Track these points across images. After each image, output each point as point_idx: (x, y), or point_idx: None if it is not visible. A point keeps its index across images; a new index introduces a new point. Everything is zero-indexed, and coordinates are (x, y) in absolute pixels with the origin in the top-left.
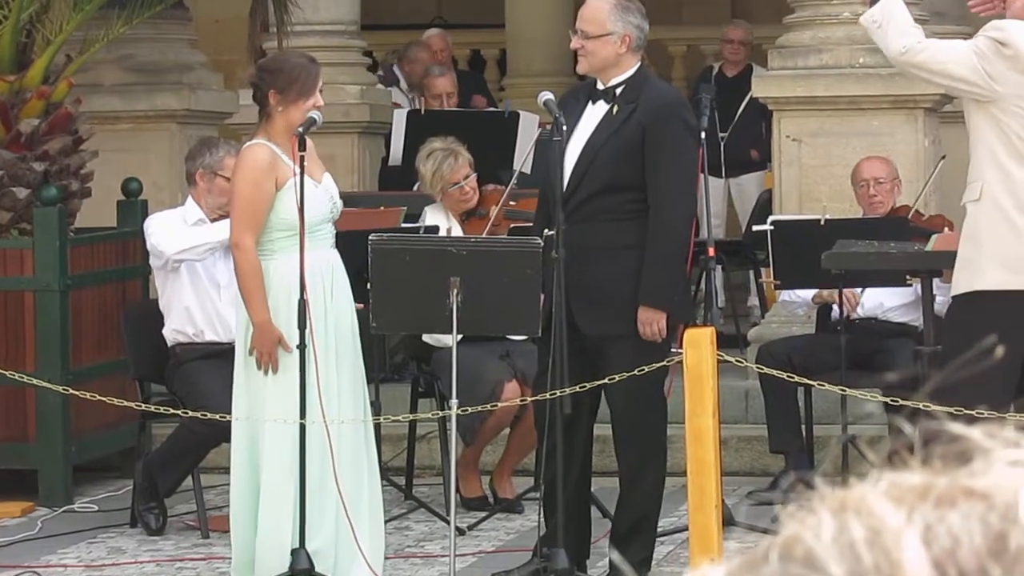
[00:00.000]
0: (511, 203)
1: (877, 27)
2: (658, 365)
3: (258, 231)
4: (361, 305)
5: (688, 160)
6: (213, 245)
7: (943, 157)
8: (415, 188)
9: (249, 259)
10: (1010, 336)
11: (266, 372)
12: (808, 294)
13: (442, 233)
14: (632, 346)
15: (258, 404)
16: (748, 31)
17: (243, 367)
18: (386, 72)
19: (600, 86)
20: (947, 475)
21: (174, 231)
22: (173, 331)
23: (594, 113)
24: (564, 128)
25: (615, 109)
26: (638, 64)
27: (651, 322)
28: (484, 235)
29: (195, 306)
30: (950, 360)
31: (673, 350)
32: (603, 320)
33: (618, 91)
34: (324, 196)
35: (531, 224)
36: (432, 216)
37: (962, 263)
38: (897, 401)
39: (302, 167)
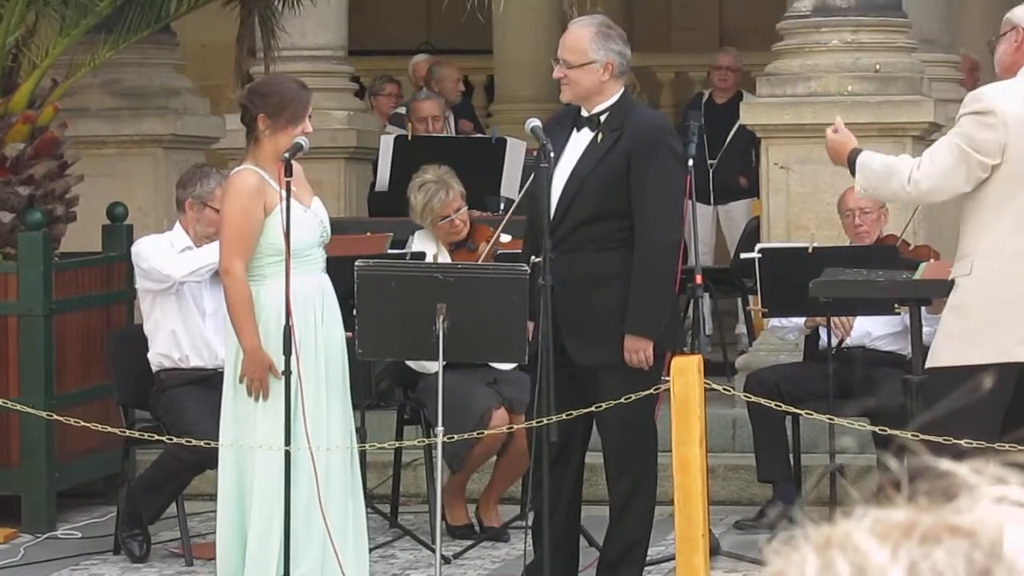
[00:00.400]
0: (503, 240)
1: (874, 191)
2: (645, 393)
3: (248, 257)
4: (350, 334)
5: (674, 186)
6: (214, 265)
7: None
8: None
9: (239, 286)
10: (993, 407)
11: (256, 399)
12: (800, 319)
13: (428, 260)
14: (622, 375)
15: (247, 431)
16: (737, 58)
17: (232, 394)
18: (395, 120)
19: (584, 113)
20: (932, 512)
21: (173, 255)
22: (158, 355)
23: (579, 141)
24: (552, 155)
25: (600, 137)
26: (622, 90)
27: (637, 350)
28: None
29: (181, 330)
30: (938, 430)
31: (663, 378)
32: (593, 349)
33: (603, 118)
34: (313, 221)
35: (519, 252)
36: (420, 242)
37: (948, 335)
38: (885, 431)
39: (288, 192)
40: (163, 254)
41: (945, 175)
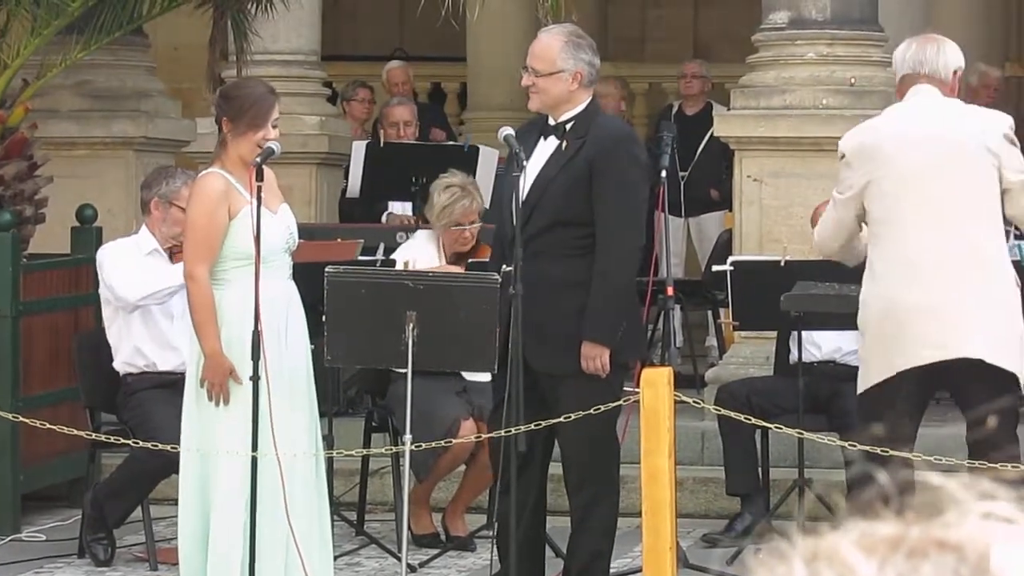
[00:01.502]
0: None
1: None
2: (613, 405)
3: (212, 261)
4: (312, 347)
5: (634, 193)
6: (174, 289)
7: None
8: (384, 219)
9: (202, 290)
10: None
11: (217, 404)
12: None
13: (421, 264)
14: (581, 383)
15: (209, 436)
16: (702, 66)
17: (194, 398)
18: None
19: (551, 122)
20: (919, 526)
21: (132, 273)
22: (123, 363)
23: (545, 149)
24: (524, 163)
25: (564, 145)
26: (589, 99)
27: (594, 357)
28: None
29: (146, 342)
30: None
31: (626, 388)
32: (551, 356)
33: (568, 127)
34: (280, 226)
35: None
36: (420, 243)
37: (860, 361)
38: (855, 446)
39: (259, 198)
40: (122, 273)
41: (823, 225)
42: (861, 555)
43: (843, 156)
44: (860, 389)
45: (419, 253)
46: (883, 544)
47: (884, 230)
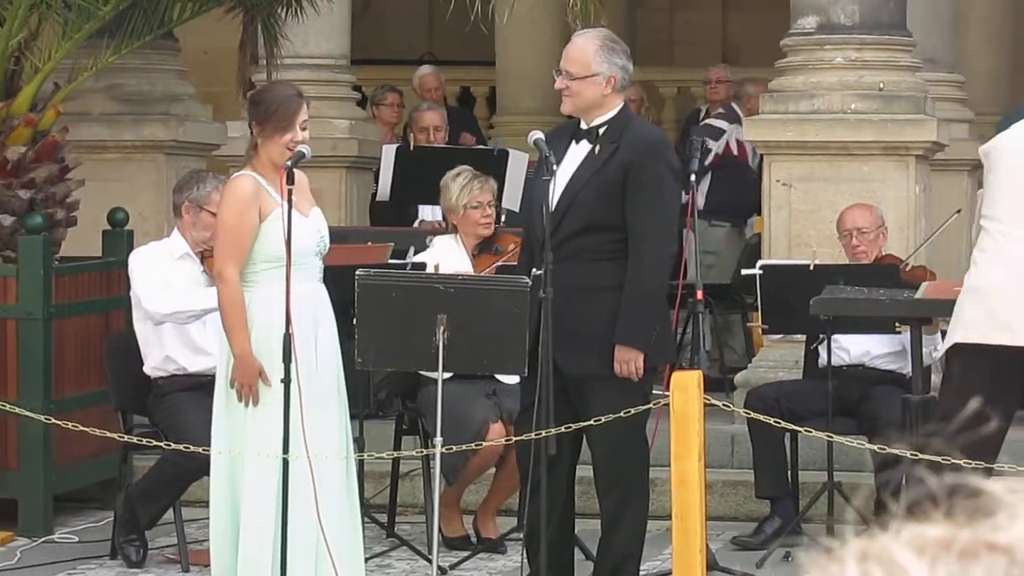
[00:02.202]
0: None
1: None
2: (643, 408)
3: (241, 262)
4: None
5: (669, 200)
6: (199, 314)
7: (958, 211)
8: (417, 223)
9: (231, 290)
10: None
11: (247, 405)
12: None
13: (447, 268)
14: (611, 387)
15: (238, 437)
16: (727, 71)
17: (224, 399)
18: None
19: (583, 126)
20: (970, 528)
21: (162, 285)
22: (154, 368)
23: (577, 153)
24: (554, 167)
25: (597, 149)
26: (622, 104)
27: (628, 361)
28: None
29: (175, 348)
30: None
31: (655, 392)
32: (582, 360)
33: (601, 131)
34: (311, 229)
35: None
36: (442, 245)
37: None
38: (884, 449)
39: (290, 201)
40: (153, 287)
41: None
42: (912, 555)
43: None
44: (947, 344)
45: (445, 256)
46: (934, 545)
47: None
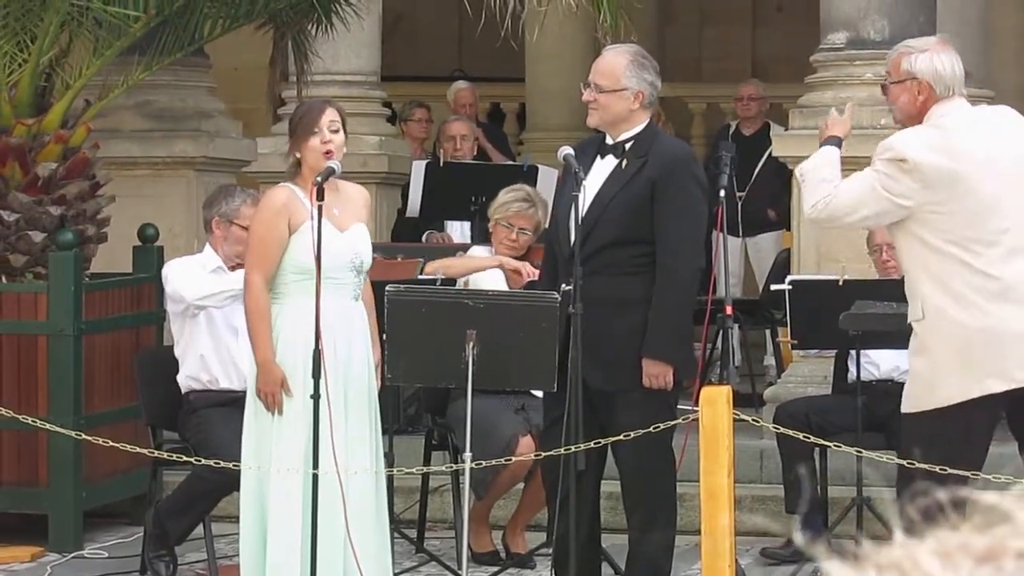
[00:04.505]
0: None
1: (802, 182)
2: (671, 424)
3: (268, 271)
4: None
5: (696, 215)
6: (235, 293)
7: None
8: (424, 239)
9: (255, 297)
10: (975, 442)
11: (272, 413)
12: None
13: (481, 282)
14: (638, 401)
15: (264, 451)
16: (759, 87)
17: (252, 413)
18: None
19: (609, 141)
20: (993, 535)
21: (194, 277)
22: (187, 377)
23: (603, 167)
24: (583, 183)
25: (624, 163)
26: (648, 120)
27: (657, 375)
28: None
29: (211, 354)
30: (920, 475)
31: (681, 406)
32: (609, 374)
33: (627, 146)
34: (344, 245)
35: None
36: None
37: (915, 378)
38: (913, 464)
39: (320, 216)
40: (185, 275)
41: (854, 197)
42: (937, 562)
43: (904, 161)
44: (921, 407)
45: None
46: (959, 552)
47: (970, 252)
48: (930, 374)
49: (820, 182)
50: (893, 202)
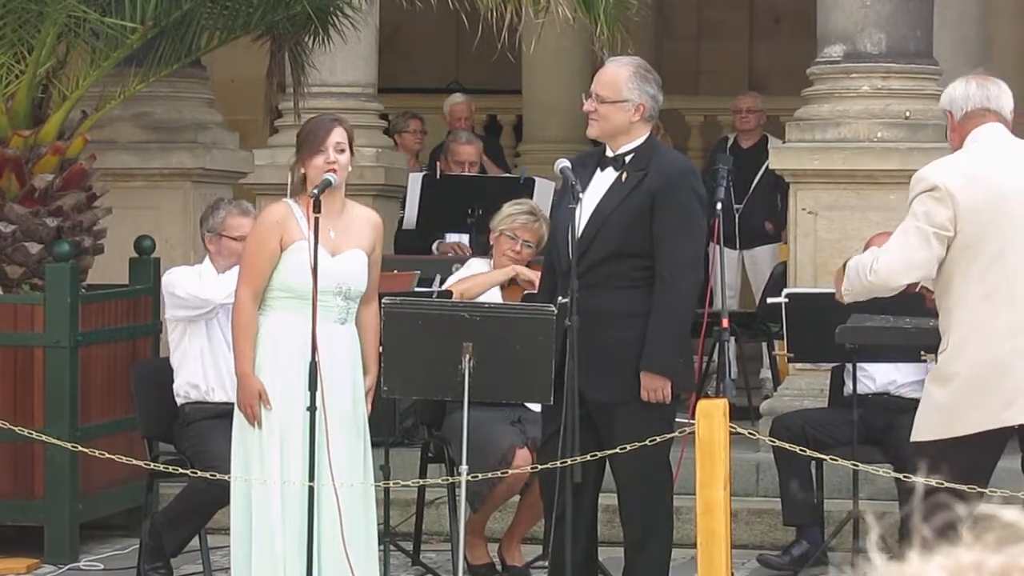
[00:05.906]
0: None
1: (854, 294)
2: (669, 436)
3: (257, 286)
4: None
5: (696, 228)
6: None
7: None
8: (435, 248)
9: (240, 311)
10: (986, 468)
11: (252, 425)
12: None
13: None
14: (636, 414)
15: (248, 462)
16: (757, 99)
17: (238, 424)
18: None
19: (609, 153)
20: (1001, 553)
21: (210, 279)
22: (184, 384)
23: (603, 180)
24: (580, 195)
25: (624, 176)
26: (648, 133)
27: (656, 388)
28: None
29: (209, 360)
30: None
31: (677, 419)
32: (606, 387)
33: (627, 158)
34: (333, 268)
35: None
36: (476, 268)
37: (932, 407)
38: (909, 478)
39: (316, 229)
40: (198, 280)
41: (904, 256)
42: None
43: (935, 189)
44: (938, 436)
45: None
46: (968, 570)
47: (993, 284)
48: (950, 403)
49: (857, 270)
50: (939, 236)
